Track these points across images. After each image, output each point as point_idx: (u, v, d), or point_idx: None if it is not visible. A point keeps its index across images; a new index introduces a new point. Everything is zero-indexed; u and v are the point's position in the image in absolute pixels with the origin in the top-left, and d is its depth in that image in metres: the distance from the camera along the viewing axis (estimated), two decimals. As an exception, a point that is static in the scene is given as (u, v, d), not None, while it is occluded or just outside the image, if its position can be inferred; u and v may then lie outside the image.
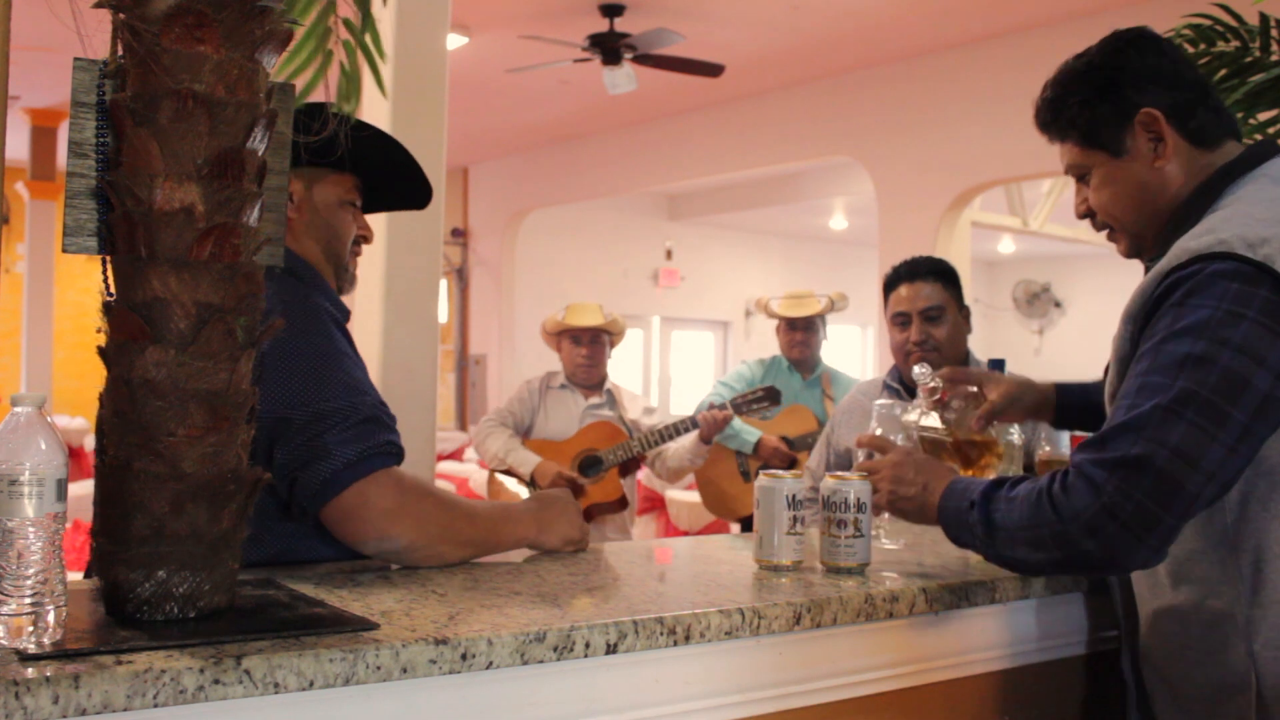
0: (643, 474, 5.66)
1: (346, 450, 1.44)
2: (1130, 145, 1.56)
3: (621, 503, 4.18)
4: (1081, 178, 1.63)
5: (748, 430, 4.38)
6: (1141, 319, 1.42)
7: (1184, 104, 1.55)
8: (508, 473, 4.20)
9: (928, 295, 2.71)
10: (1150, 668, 1.55)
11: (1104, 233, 1.64)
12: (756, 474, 4.50)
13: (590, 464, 4.17)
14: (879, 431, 1.82)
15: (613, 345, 4.42)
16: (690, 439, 4.21)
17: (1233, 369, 1.31)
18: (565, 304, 4.49)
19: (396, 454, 1.50)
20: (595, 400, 4.33)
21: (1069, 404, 1.86)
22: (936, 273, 2.75)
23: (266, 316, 1.46)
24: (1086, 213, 1.64)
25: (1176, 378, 1.32)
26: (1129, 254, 1.64)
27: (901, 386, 2.81)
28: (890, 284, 2.79)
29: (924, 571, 1.66)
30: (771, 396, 4.11)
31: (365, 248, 1.85)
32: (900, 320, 2.76)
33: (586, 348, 4.31)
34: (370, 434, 1.46)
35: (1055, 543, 1.38)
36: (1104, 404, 1.59)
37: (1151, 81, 1.55)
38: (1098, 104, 1.56)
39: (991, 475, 1.74)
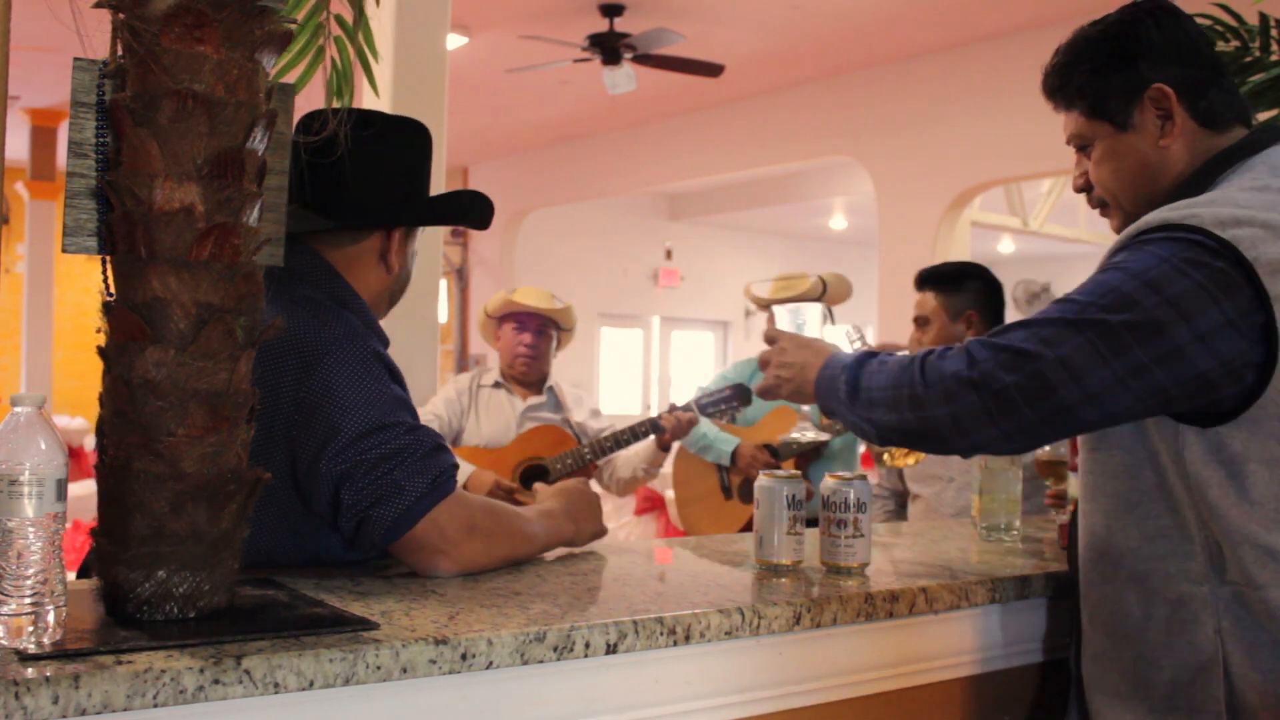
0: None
1: (417, 483, 1.43)
2: (1137, 120, 1.52)
3: None
4: (1083, 148, 1.59)
5: (723, 439, 3.91)
6: None
7: (1197, 82, 1.51)
8: None
9: (919, 304, 3.05)
10: (1092, 658, 1.50)
11: (1099, 209, 1.61)
12: (740, 489, 4.07)
13: (534, 474, 3.57)
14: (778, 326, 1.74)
15: (560, 345, 3.84)
16: (645, 445, 3.65)
17: (1154, 316, 1.29)
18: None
19: (455, 473, 1.50)
20: (535, 400, 3.72)
21: None
22: (931, 280, 3.09)
23: (321, 356, 1.47)
24: (1084, 186, 1.61)
25: (1093, 303, 1.32)
26: (1120, 231, 1.59)
27: None
28: None
29: (924, 571, 1.66)
30: (740, 395, 3.58)
31: None
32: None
33: (530, 335, 3.70)
34: (435, 463, 1.46)
35: (910, 404, 1.39)
36: None
37: (1167, 56, 1.51)
38: (1109, 74, 1.53)
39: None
